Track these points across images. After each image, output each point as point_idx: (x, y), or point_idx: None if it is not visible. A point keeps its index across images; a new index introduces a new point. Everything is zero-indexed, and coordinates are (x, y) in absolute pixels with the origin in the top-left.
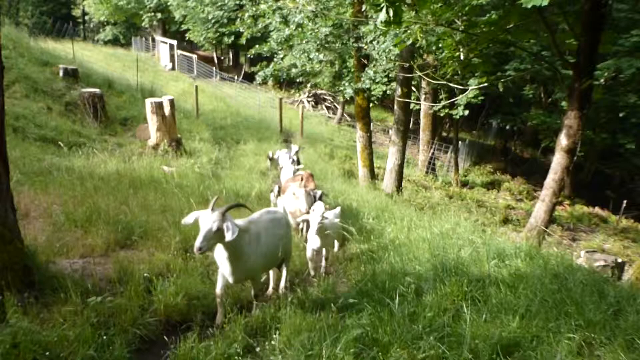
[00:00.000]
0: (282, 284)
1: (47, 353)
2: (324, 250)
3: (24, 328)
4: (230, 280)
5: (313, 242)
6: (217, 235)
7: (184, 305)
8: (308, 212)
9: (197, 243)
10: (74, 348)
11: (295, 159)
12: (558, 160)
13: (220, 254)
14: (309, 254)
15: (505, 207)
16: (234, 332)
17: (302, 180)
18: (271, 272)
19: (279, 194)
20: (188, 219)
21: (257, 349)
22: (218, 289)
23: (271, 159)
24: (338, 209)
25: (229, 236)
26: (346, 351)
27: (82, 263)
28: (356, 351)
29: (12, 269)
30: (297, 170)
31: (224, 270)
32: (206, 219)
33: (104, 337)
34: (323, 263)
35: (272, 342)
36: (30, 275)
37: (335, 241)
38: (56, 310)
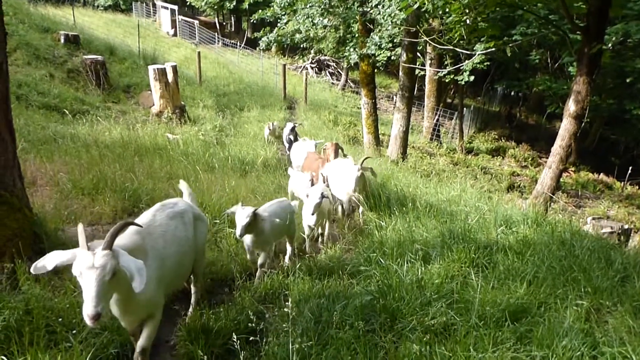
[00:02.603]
0: (191, 308)
1: (60, 319)
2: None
3: (36, 295)
4: (123, 324)
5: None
6: (113, 283)
7: None
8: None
9: (91, 310)
10: None
11: (291, 138)
12: (566, 127)
13: None
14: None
15: (510, 174)
16: (244, 299)
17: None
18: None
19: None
20: (44, 265)
21: (267, 316)
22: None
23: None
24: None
25: (138, 284)
26: (355, 317)
27: (90, 230)
28: (365, 317)
29: (21, 236)
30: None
31: (114, 311)
32: (88, 266)
33: None
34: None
35: (282, 309)
36: (40, 242)
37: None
38: (67, 278)
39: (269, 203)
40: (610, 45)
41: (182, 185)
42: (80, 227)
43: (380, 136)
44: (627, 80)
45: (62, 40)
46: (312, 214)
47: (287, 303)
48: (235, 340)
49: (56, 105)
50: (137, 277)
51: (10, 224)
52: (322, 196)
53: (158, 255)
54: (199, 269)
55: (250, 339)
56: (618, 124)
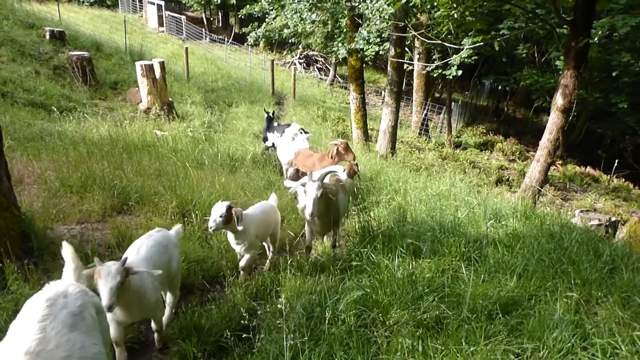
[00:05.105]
0: None
1: None
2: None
3: (26, 295)
4: None
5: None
6: None
7: (183, 269)
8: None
9: None
10: None
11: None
12: (553, 120)
13: None
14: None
15: (498, 168)
16: (236, 295)
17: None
18: None
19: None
20: None
21: (259, 312)
22: None
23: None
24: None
25: None
26: (347, 313)
27: (79, 229)
28: (357, 313)
29: (9, 235)
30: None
31: None
32: None
33: None
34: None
35: (274, 305)
36: (29, 241)
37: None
38: (57, 277)
39: (141, 240)
40: (596, 39)
41: (66, 251)
42: None
43: (369, 131)
44: (613, 74)
45: (48, 37)
46: (212, 230)
47: (279, 299)
48: (227, 337)
49: (42, 102)
50: None
51: None
52: (222, 215)
53: None
54: None
55: (243, 335)
56: (604, 118)
